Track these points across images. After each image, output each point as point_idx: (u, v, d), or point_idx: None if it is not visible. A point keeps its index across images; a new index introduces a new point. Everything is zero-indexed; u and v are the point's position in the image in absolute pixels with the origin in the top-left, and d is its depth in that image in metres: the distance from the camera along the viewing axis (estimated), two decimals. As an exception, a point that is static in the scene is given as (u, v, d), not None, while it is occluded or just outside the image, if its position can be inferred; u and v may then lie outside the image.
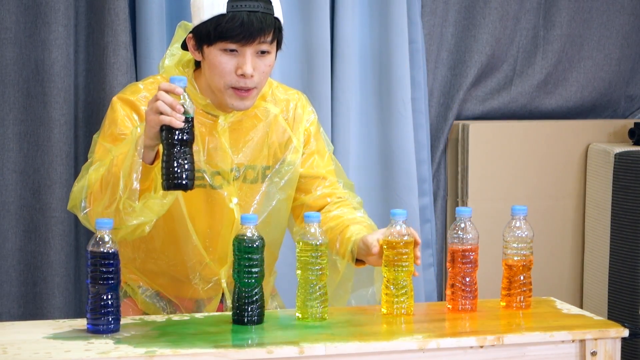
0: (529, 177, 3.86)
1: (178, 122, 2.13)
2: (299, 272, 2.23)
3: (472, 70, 3.85)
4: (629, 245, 3.65)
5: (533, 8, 3.93)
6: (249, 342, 2.09)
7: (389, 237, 2.26)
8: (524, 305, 2.36)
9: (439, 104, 3.85)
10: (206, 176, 2.47)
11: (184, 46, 2.49)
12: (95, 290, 2.09)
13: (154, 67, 3.28)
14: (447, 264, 2.36)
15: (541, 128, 3.91)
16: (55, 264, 3.27)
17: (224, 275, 2.53)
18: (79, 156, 3.32)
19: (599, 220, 3.81)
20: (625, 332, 2.21)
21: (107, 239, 2.09)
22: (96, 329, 2.10)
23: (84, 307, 2.19)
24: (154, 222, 2.32)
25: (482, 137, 3.81)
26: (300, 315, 2.24)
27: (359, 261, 2.41)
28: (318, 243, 2.21)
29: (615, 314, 3.66)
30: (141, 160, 2.20)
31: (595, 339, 2.19)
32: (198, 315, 2.33)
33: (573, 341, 2.19)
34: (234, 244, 2.19)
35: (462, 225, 2.31)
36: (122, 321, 2.15)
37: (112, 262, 2.09)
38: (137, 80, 3.31)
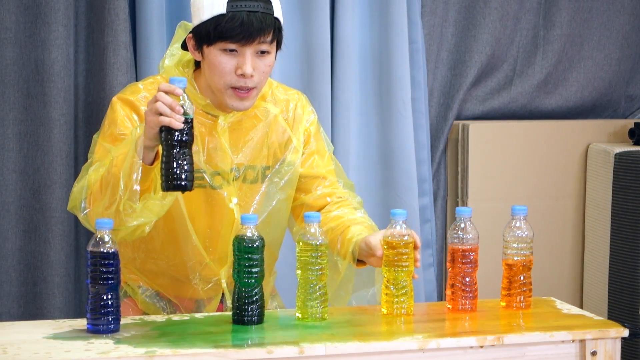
0: (529, 177, 3.86)
1: (177, 123, 2.13)
2: (299, 272, 2.23)
3: (472, 70, 3.85)
4: (629, 245, 3.65)
5: (533, 8, 3.93)
6: (249, 342, 2.09)
7: (389, 238, 2.26)
8: (524, 305, 2.36)
9: (439, 104, 3.85)
10: (206, 176, 2.47)
11: (184, 46, 2.49)
12: (95, 290, 2.09)
13: (154, 67, 3.28)
14: (447, 264, 2.35)
15: (541, 128, 3.91)
16: (55, 264, 3.27)
17: (224, 276, 2.53)
18: (79, 156, 3.33)
19: (599, 220, 3.81)
20: (625, 332, 2.21)
21: (107, 239, 2.09)
22: (96, 329, 2.10)
23: (84, 307, 2.19)
24: (154, 223, 2.32)
25: (482, 137, 3.80)
26: (300, 315, 2.24)
27: (359, 262, 2.41)
28: (318, 243, 2.21)
29: (615, 314, 3.66)
30: (141, 161, 2.20)
31: (595, 339, 2.19)
32: (198, 315, 2.33)
33: (573, 341, 2.19)
34: (234, 244, 2.19)
35: (462, 225, 2.31)
36: (122, 321, 2.15)
37: (112, 262, 2.09)
38: (137, 80, 3.31)
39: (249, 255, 2.17)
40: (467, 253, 2.31)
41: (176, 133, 2.14)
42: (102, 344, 2.03)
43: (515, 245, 2.36)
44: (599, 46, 4.00)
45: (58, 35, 3.23)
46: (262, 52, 2.40)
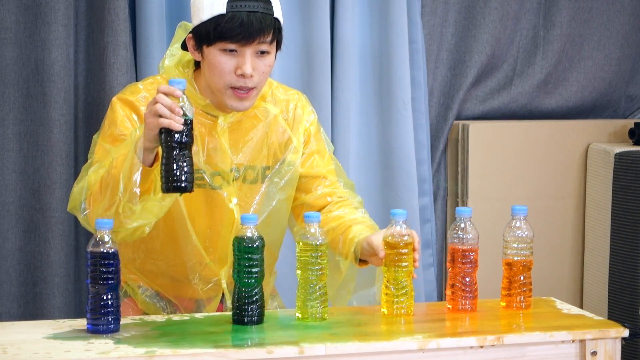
0: (529, 177, 3.86)
1: (177, 124, 2.13)
2: (299, 272, 2.23)
3: (472, 70, 3.85)
4: (629, 245, 3.65)
5: (533, 8, 3.93)
6: (249, 342, 2.09)
7: (389, 238, 2.26)
8: (524, 305, 2.36)
9: (439, 104, 3.85)
10: (206, 176, 2.47)
11: (184, 46, 2.49)
12: (95, 290, 2.09)
13: (154, 67, 3.28)
14: (447, 264, 2.35)
15: (541, 128, 3.91)
16: (55, 264, 3.27)
17: (224, 276, 2.53)
18: (79, 156, 3.32)
19: (599, 220, 3.81)
20: (625, 332, 2.21)
21: (107, 239, 2.09)
22: (96, 329, 2.10)
23: (84, 307, 2.19)
24: (154, 223, 2.32)
25: (482, 137, 3.80)
26: (300, 315, 2.24)
27: (361, 261, 2.41)
28: (318, 243, 2.21)
29: (615, 314, 3.66)
30: (140, 163, 2.20)
31: (595, 339, 2.19)
32: (198, 315, 2.33)
33: (573, 341, 2.19)
34: (234, 244, 2.19)
35: (462, 225, 2.31)
36: (122, 321, 2.15)
37: (112, 262, 2.09)
38: (137, 80, 3.31)
39: (249, 255, 2.17)
40: (467, 253, 2.31)
41: (176, 135, 2.14)
42: (102, 344, 2.03)
43: (515, 245, 2.36)
44: (599, 46, 4.00)
45: (58, 35, 3.23)
46: (262, 53, 2.40)
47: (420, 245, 2.31)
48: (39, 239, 3.28)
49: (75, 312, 3.29)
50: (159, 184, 2.18)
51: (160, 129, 2.14)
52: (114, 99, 2.47)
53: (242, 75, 2.38)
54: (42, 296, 3.28)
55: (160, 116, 2.13)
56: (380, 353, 2.08)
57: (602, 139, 3.93)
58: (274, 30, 2.39)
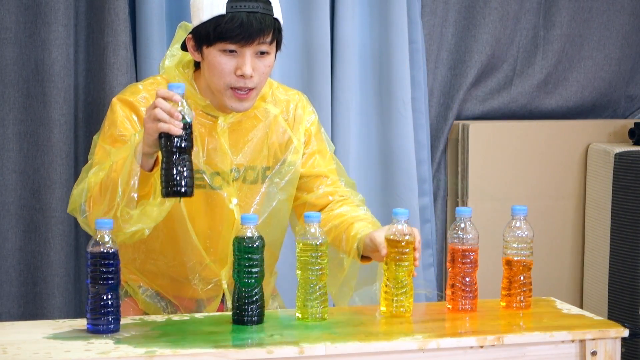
0: (529, 177, 3.86)
1: (176, 129, 2.12)
2: (299, 272, 2.23)
3: (472, 70, 3.85)
4: (629, 245, 3.65)
5: (533, 8, 3.93)
6: (249, 342, 2.09)
7: (391, 236, 2.26)
8: (524, 305, 2.36)
9: (439, 104, 3.85)
10: (205, 177, 2.47)
11: (184, 47, 2.49)
12: (95, 290, 2.09)
13: (154, 67, 3.28)
14: (447, 264, 2.35)
15: (541, 128, 3.91)
16: (55, 264, 3.27)
17: (225, 276, 2.53)
18: (79, 156, 3.33)
19: (599, 220, 3.81)
20: (625, 332, 2.21)
21: (107, 239, 2.09)
22: (96, 329, 2.10)
23: (84, 307, 2.18)
24: (153, 226, 2.32)
25: (482, 137, 3.81)
26: (300, 315, 2.24)
27: (364, 258, 2.41)
28: (318, 243, 2.21)
29: (615, 314, 3.66)
30: (139, 168, 2.20)
31: (595, 339, 2.19)
32: (198, 315, 2.33)
33: (573, 341, 2.19)
34: (234, 244, 2.19)
35: (462, 225, 2.31)
36: (122, 321, 2.15)
37: (112, 262, 2.09)
38: (137, 80, 3.31)
39: (249, 256, 2.17)
40: (467, 253, 2.31)
41: (175, 139, 2.13)
42: (102, 344, 2.03)
43: (515, 245, 2.36)
44: (599, 46, 4.00)
45: (58, 35, 3.23)
46: (262, 53, 2.40)
47: (421, 245, 2.31)
48: (39, 239, 3.28)
49: (75, 312, 3.29)
50: (158, 188, 2.18)
51: (160, 134, 2.13)
52: (114, 99, 2.47)
53: (242, 76, 2.38)
54: (42, 296, 3.28)
55: (160, 121, 2.13)
56: (380, 353, 2.08)
57: (602, 139, 3.93)
58: (274, 31, 2.39)
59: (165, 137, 2.13)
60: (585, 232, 3.91)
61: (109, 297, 2.10)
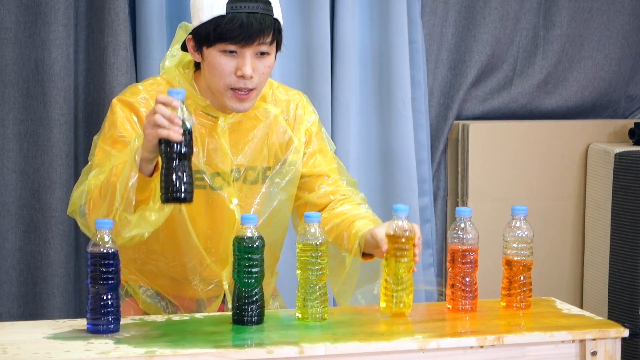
0: (529, 177, 3.86)
1: (176, 135, 2.12)
2: (298, 272, 2.23)
3: (472, 70, 3.85)
4: (629, 245, 3.65)
5: (533, 8, 3.93)
6: (249, 342, 2.09)
7: (391, 232, 2.26)
8: (524, 305, 2.36)
9: (439, 104, 3.85)
10: (206, 177, 2.47)
11: (184, 47, 2.49)
12: (95, 290, 2.09)
13: (154, 67, 3.28)
14: (447, 264, 2.35)
15: (541, 128, 3.91)
16: (55, 264, 3.27)
17: (226, 277, 2.52)
18: (79, 156, 3.33)
19: (599, 220, 3.81)
20: (625, 332, 2.21)
21: (107, 239, 2.09)
22: (96, 329, 2.10)
23: (84, 307, 2.19)
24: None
25: (482, 137, 3.81)
26: (300, 315, 2.24)
27: (367, 255, 2.41)
28: (318, 243, 2.21)
29: (615, 314, 3.66)
30: (137, 174, 2.19)
31: (595, 339, 2.19)
32: (198, 315, 2.33)
33: (573, 341, 2.19)
34: (234, 244, 2.19)
35: (462, 225, 2.31)
36: (122, 321, 2.15)
37: (112, 262, 2.09)
38: (137, 80, 3.31)
39: (249, 255, 2.17)
40: (467, 253, 2.31)
41: (175, 145, 2.12)
42: (102, 344, 2.03)
43: (515, 245, 2.36)
44: (599, 46, 4.00)
45: (58, 35, 3.23)
46: (262, 54, 2.40)
47: (421, 243, 2.31)
48: (39, 239, 3.28)
49: (75, 312, 3.29)
50: (158, 193, 2.18)
51: (160, 140, 2.13)
52: (114, 100, 2.47)
53: (242, 77, 2.38)
54: (42, 296, 3.28)
55: (160, 127, 2.12)
56: (380, 353, 2.08)
57: (602, 139, 3.93)
58: (274, 31, 2.39)
59: (165, 143, 2.13)
60: (585, 232, 3.91)
61: (109, 297, 2.10)
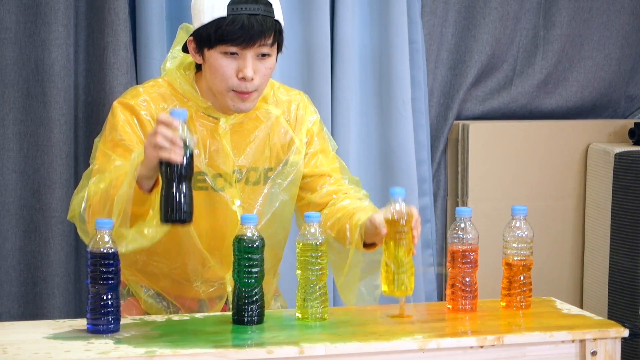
0: (529, 177, 3.86)
1: (178, 157, 2.12)
2: (299, 272, 2.23)
3: (472, 70, 3.85)
4: (629, 245, 3.65)
5: (533, 8, 3.93)
6: (249, 342, 2.09)
7: (389, 215, 2.25)
8: (524, 305, 2.36)
9: (439, 104, 3.85)
10: (208, 179, 2.47)
11: (185, 49, 2.49)
12: (95, 290, 2.09)
13: (154, 67, 3.28)
14: (447, 264, 2.35)
15: (541, 128, 3.91)
16: (55, 264, 3.27)
17: (230, 280, 2.51)
18: (79, 156, 3.33)
19: (599, 220, 3.81)
20: (625, 332, 2.21)
21: (107, 239, 2.09)
22: (96, 329, 2.10)
23: (84, 307, 2.19)
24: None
25: (482, 137, 3.81)
26: (300, 315, 2.24)
27: (369, 245, 2.39)
28: (318, 243, 2.21)
29: (615, 314, 3.66)
30: (133, 191, 2.19)
31: (595, 339, 2.19)
32: (198, 315, 2.33)
33: (573, 341, 2.19)
34: (234, 244, 2.19)
35: (462, 225, 2.31)
36: (122, 321, 2.15)
37: (112, 262, 2.09)
38: (137, 80, 3.31)
39: (249, 255, 2.17)
40: (467, 253, 2.31)
41: (176, 167, 2.12)
42: (102, 344, 2.03)
43: (515, 245, 2.36)
44: (599, 46, 4.00)
45: (58, 35, 3.23)
46: (263, 55, 2.40)
47: (419, 224, 2.28)
48: (39, 239, 3.28)
49: (75, 312, 3.29)
50: (156, 208, 2.18)
51: (160, 161, 2.14)
52: (115, 103, 2.47)
53: (244, 79, 2.38)
54: (42, 296, 3.28)
55: (161, 148, 2.12)
56: (380, 353, 2.08)
57: (602, 139, 3.93)
58: (275, 33, 2.39)
59: (166, 165, 2.12)
60: (585, 232, 3.91)
61: (109, 297, 2.10)
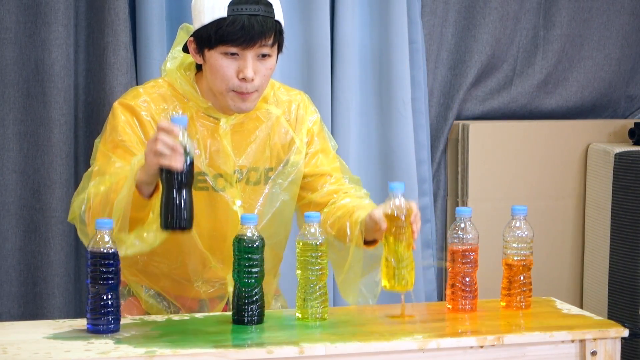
0: (529, 177, 3.86)
1: (178, 164, 2.12)
2: (299, 272, 2.23)
3: (472, 70, 3.85)
4: (629, 245, 3.65)
5: (533, 8, 3.93)
6: (249, 342, 2.09)
7: (388, 210, 2.25)
8: (524, 305, 2.36)
9: (439, 104, 3.85)
10: (208, 179, 2.47)
11: (186, 49, 2.49)
12: (95, 290, 2.09)
13: (154, 68, 3.28)
14: (447, 264, 2.35)
15: (541, 128, 3.91)
16: (55, 264, 3.27)
17: (231, 281, 2.51)
18: (79, 156, 3.33)
19: (599, 220, 3.81)
20: (625, 332, 2.21)
21: (107, 239, 2.09)
22: (96, 329, 2.10)
23: (84, 307, 2.19)
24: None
25: (482, 137, 3.81)
26: (300, 315, 2.24)
27: (369, 243, 2.39)
28: (318, 243, 2.21)
29: (615, 314, 3.66)
30: (131, 196, 2.19)
31: (595, 339, 2.19)
32: (198, 315, 2.33)
33: (573, 341, 2.19)
34: (234, 244, 2.19)
35: (462, 225, 2.31)
36: (122, 321, 2.15)
37: (112, 262, 2.09)
38: (137, 80, 3.31)
39: (249, 255, 2.17)
40: (467, 253, 2.31)
41: (176, 174, 2.12)
42: (102, 344, 2.03)
43: (515, 245, 2.36)
44: (599, 46, 4.00)
45: (58, 35, 3.23)
46: (264, 56, 2.40)
47: (419, 219, 2.28)
48: (39, 239, 3.28)
49: (75, 312, 3.29)
50: (156, 213, 2.18)
51: (161, 167, 2.14)
52: (115, 104, 2.47)
53: (244, 79, 2.38)
54: (42, 296, 3.28)
55: (161, 155, 2.12)
56: (380, 353, 2.08)
57: (602, 139, 3.93)
58: (275, 33, 2.39)
59: (166, 172, 2.13)
60: (585, 232, 3.91)
61: (109, 297, 2.10)
